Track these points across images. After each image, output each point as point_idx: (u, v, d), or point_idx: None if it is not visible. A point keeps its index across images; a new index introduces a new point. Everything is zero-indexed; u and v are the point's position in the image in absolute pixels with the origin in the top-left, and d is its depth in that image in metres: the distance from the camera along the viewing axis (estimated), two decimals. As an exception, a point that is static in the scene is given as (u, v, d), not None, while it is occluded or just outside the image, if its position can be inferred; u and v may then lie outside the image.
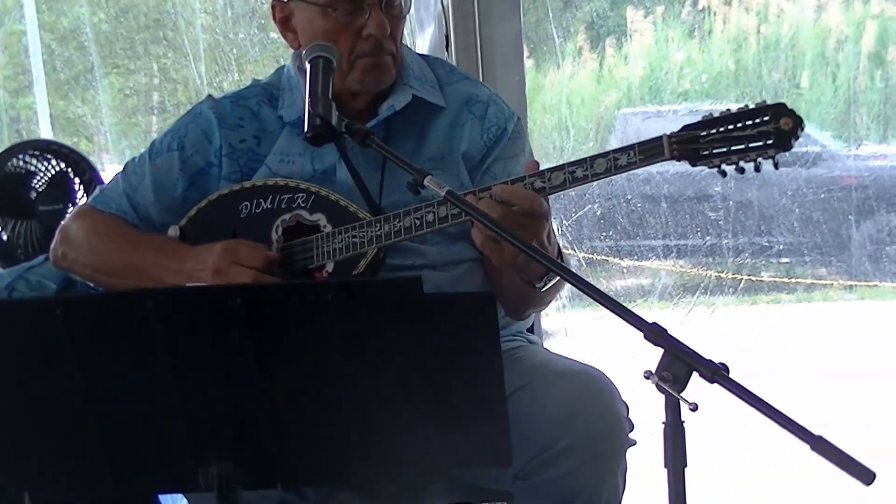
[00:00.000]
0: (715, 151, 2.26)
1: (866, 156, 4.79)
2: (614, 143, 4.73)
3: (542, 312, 3.22)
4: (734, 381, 1.83)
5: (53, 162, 3.66)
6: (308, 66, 2.47)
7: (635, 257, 4.74)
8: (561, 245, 2.55)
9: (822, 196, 4.67)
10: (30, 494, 2.17)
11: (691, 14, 4.77)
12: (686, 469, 1.88)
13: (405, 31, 2.73)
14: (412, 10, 2.75)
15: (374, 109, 2.66)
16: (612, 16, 4.86)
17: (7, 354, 2.00)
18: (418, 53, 2.84)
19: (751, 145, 2.23)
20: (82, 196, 3.62)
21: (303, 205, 2.60)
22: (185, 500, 2.58)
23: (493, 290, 2.58)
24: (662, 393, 1.86)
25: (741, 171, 2.25)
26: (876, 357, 4.84)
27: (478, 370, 1.98)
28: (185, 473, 2.03)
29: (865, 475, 1.74)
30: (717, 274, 4.70)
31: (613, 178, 2.39)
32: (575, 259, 4.57)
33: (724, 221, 4.65)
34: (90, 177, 3.66)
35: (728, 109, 2.26)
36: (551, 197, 2.41)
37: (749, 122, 2.23)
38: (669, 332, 1.89)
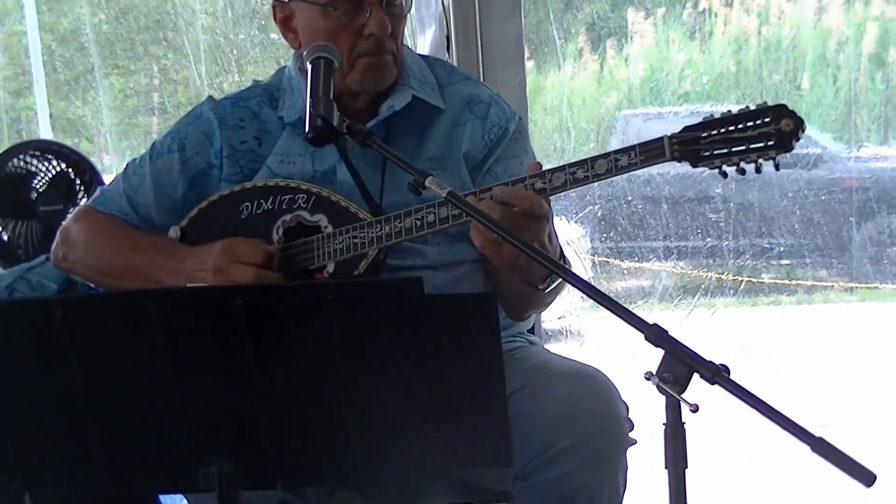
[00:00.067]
0: (716, 152, 2.25)
1: (867, 157, 4.79)
2: (615, 145, 4.73)
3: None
4: (735, 383, 1.82)
5: (54, 162, 3.66)
6: (309, 67, 2.47)
7: (636, 259, 4.74)
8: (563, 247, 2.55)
9: (823, 198, 4.67)
10: (30, 494, 2.17)
11: (692, 15, 4.77)
12: (686, 470, 1.88)
13: (406, 32, 2.73)
14: (413, 10, 2.74)
15: (374, 110, 2.66)
16: (612, 17, 4.86)
17: (7, 354, 2.00)
18: (419, 54, 2.84)
19: (752, 146, 2.23)
20: (83, 196, 3.62)
21: (303, 205, 2.60)
22: (185, 501, 2.58)
23: (494, 291, 2.58)
24: (663, 394, 1.86)
25: (742, 172, 2.25)
26: (876, 358, 4.85)
27: (478, 371, 1.98)
28: (185, 473, 2.03)
29: (866, 476, 1.74)
30: (717, 275, 4.70)
31: (614, 179, 2.39)
32: (581, 262, 4.57)
33: (724, 223, 4.65)
34: (91, 177, 3.65)
35: (729, 111, 2.26)
36: (553, 198, 2.41)
37: (750, 124, 2.23)
38: (670, 333, 1.89)
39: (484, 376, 1.98)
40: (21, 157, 3.67)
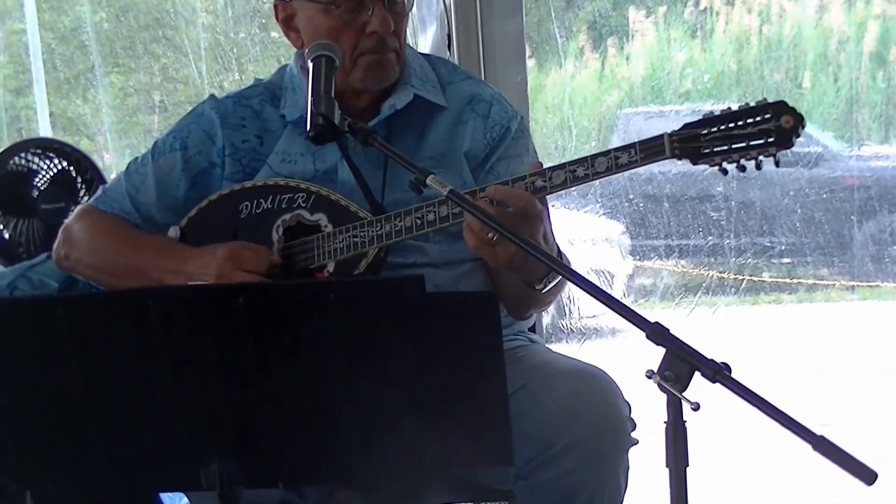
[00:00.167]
0: (716, 149, 2.25)
1: (868, 156, 4.79)
2: (616, 143, 4.70)
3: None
4: (736, 381, 1.82)
5: (56, 160, 3.66)
6: (311, 65, 2.47)
7: (637, 257, 4.74)
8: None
9: (824, 196, 4.67)
10: (31, 493, 2.17)
11: (693, 14, 4.77)
12: (688, 468, 1.88)
13: (407, 31, 2.72)
14: (414, 9, 2.74)
15: (376, 108, 2.66)
16: (614, 16, 4.86)
17: (8, 353, 2.00)
18: (420, 53, 2.84)
19: (752, 143, 2.22)
20: (84, 195, 3.62)
21: (303, 205, 2.60)
22: (186, 499, 2.58)
23: (495, 289, 2.58)
24: (664, 392, 1.86)
25: (742, 169, 2.24)
26: (878, 357, 4.84)
27: (479, 369, 1.98)
28: (186, 472, 2.03)
29: (867, 475, 1.74)
30: (718, 274, 4.70)
31: (615, 177, 2.38)
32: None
33: (726, 221, 4.65)
34: (92, 175, 3.66)
35: (729, 108, 2.25)
36: (551, 197, 2.41)
37: (750, 120, 2.22)
38: (671, 331, 1.89)
39: (485, 375, 1.98)
40: (23, 154, 3.67)
